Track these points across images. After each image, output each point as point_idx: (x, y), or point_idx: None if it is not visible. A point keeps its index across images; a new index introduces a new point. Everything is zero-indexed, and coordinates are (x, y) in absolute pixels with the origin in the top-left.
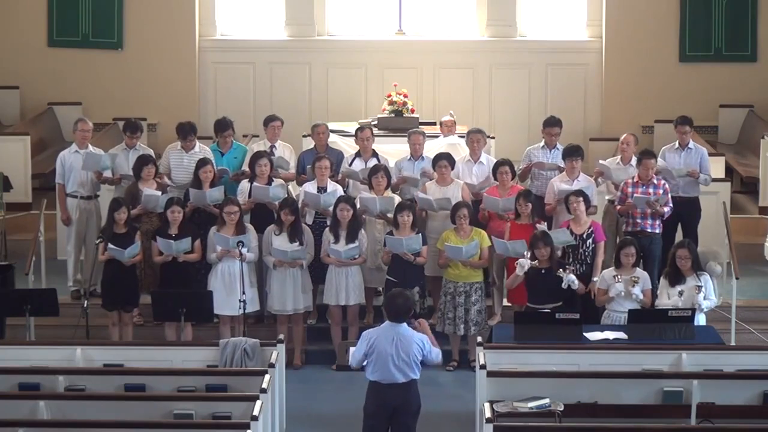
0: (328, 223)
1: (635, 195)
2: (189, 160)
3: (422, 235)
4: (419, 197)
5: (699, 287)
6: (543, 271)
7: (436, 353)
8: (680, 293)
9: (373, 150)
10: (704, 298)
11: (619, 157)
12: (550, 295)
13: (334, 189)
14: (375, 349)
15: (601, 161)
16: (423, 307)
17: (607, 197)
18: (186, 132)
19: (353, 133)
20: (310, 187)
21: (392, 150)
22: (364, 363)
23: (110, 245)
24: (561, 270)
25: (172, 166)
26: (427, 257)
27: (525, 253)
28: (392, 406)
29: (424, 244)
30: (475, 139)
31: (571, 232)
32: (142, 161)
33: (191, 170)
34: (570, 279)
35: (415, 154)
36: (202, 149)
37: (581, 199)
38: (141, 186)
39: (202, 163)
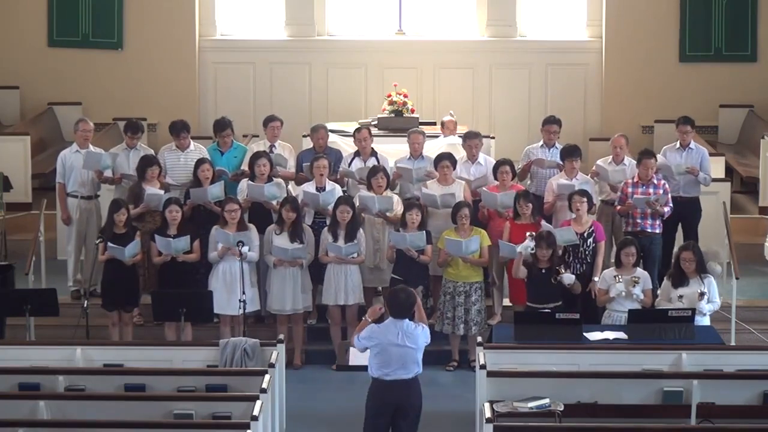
0: (328, 223)
1: (635, 196)
2: (186, 159)
3: (428, 234)
4: (423, 193)
5: (702, 294)
6: (543, 271)
7: (427, 333)
8: (680, 297)
9: (373, 149)
10: (707, 302)
11: (610, 157)
12: (550, 295)
13: (333, 188)
14: (379, 345)
15: (598, 162)
16: (426, 306)
17: (600, 197)
18: (178, 129)
19: (353, 133)
20: (309, 187)
21: (392, 150)
22: (367, 362)
23: (110, 244)
24: (561, 268)
25: (169, 167)
26: (431, 256)
27: (529, 241)
28: (395, 405)
29: (429, 242)
30: (473, 144)
31: None
32: (146, 162)
33: (189, 169)
34: (568, 278)
35: (415, 154)
36: (197, 147)
37: (585, 199)
38: (144, 186)
39: (200, 162)
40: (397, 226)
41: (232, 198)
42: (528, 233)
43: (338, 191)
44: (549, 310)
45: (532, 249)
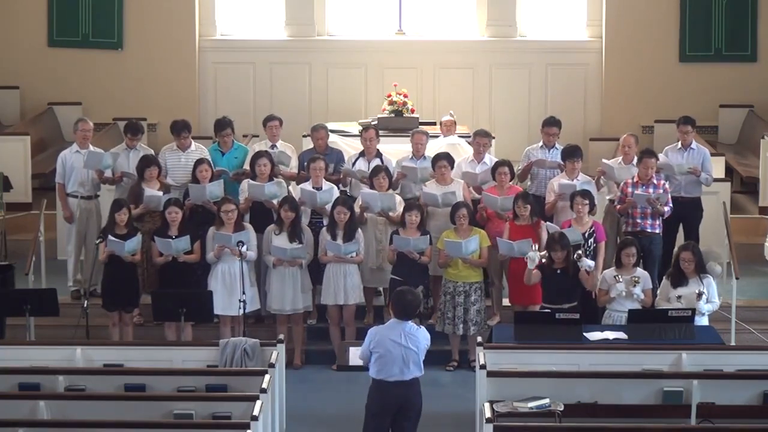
0: (325, 223)
1: (635, 193)
2: (186, 159)
3: (429, 236)
4: (424, 192)
5: (700, 294)
6: (558, 272)
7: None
8: (679, 298)
9: (377, 150)
10: (706, 302)
11: (620, 158)
12: (566, 295)
13: (330, 188)
14: (381, 346)
15: (604, 160)
16: (426, 306)
17: (607, 197)
18: (179, 129)
19: (354, 133)
20: (306, 186)
21: (392, 150)
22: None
23: (110, 237)
24: (577, 255)
25: (170, 166)
26: (431, 257)
27: (532, 247)
28: (396, 406)
29: (429, 243)
30: (482, 142)
31: None
32: (146, 162)
33: (189, 169)
34: (587, 263)
35: (417, 154)
36: (198, 148)
37: (587, 201)
38: (144, 186)
39: (199, 162)
40: (396, 227)
41: (228, 198)
42: (532, 246)
43: (335, 191)
44: (563, 310)
45: (537, 261)
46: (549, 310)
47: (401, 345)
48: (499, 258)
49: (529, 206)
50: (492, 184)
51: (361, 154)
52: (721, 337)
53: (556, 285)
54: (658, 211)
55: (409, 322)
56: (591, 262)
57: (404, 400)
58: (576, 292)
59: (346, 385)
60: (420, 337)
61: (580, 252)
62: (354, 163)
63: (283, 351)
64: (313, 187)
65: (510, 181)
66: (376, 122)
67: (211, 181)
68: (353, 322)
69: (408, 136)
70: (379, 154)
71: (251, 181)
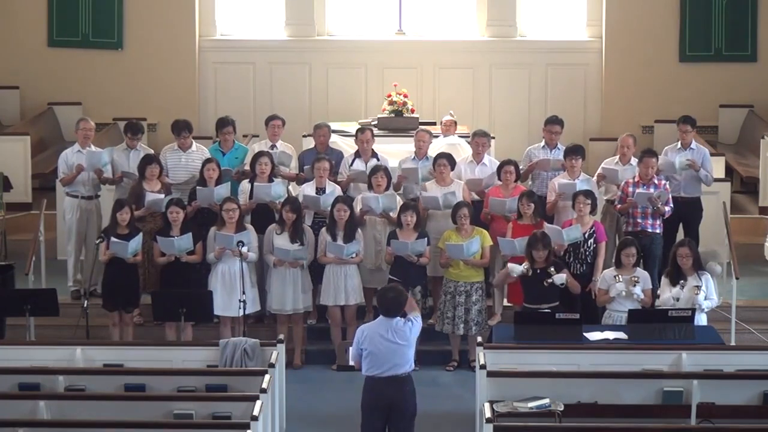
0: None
1: (637, 192)
2: (187, 159)
3: (427, 237)
4: (423, 196)
5: (698, 287)
6: (539, 272)
7: (419, 322)
8: (677, 300)
9: (373, 150)
10: (705, 298)
11: (617, 157)
12: (547, 295)
13: (333, 189)
14: (370, 343)
15: (604, 165)
16: (425, 307)
17: (605, 197)
18: (180, 129)
19: (353, 133)
20: (309, 188)
21: (392, 150)
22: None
23: (113, 239)
24: (551, 269)
25: (170, 166)
26: (429, 257)
27: (522, 266)
28: (388, 403)
29: (428, 244)
30: (480, 142)
31: None
32: (146, 161)
33: (190, 169)
34: (559, 278)
35: (419, 153)
36: (198, 148)
37: (589, 201)
38: (145, 185)
39: (207, 161)
40: (393, 227)
41: (231, 198)
42: (525, 264)
43: (338, 192)
44: (548, 311)
45: (518, 274)
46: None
47: (389, 341)
48: (502, 258)
49: (533, 204)
50: (496, 183)
51: (357, 154)
52: (721, 337)
53: (536, 285)
54: (659, 211)
55: (397, 318)
56: (563, 278)
57: (396, 399)
58: (557, 293)
59: (346, 385)
60: (408, 331)
61: (551, 270)
62: (351, 165)
63: (283, 351)
64: (317, 188)
65: (515, 181)
66: (376, 122)
67: (217, 180)
68: (355, 322)
69: (408, 136)
70: (374, 155)
71: (257, 183)
